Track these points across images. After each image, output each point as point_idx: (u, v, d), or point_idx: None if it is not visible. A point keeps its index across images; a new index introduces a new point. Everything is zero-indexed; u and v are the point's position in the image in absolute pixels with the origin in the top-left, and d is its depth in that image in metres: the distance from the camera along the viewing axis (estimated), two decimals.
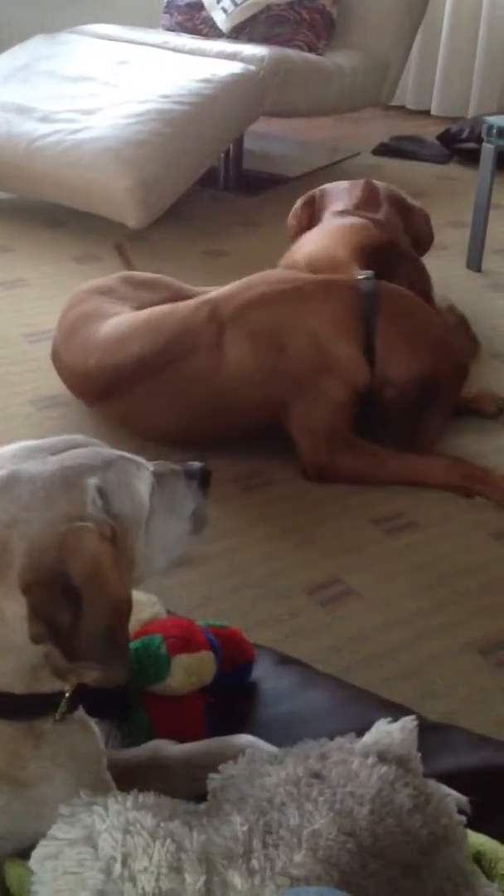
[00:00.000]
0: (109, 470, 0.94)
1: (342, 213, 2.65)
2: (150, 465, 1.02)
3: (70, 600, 0.85)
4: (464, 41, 4.90)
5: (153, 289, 2.38)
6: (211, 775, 0.96)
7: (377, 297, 2.13)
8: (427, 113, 5.10)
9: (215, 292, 2.19)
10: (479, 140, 3.20)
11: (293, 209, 2.92)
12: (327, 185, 2.91)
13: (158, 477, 1.02)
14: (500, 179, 3.30)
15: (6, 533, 0.87)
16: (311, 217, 2.80)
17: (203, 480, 1.10)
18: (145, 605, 1.34)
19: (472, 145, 4.15)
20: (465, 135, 4.32)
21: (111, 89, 3.50)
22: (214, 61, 3.61)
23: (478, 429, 2.31)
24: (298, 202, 2.91)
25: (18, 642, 0.88)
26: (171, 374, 2.10)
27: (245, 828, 0.83)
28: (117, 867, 0.79)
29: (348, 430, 2.12)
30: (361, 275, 2.20)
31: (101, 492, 0.91)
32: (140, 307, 2.26)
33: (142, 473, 0.98)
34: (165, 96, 3.34)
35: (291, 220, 2.90)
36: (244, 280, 2.20)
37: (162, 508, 1.01)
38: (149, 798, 0.87)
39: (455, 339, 2.31)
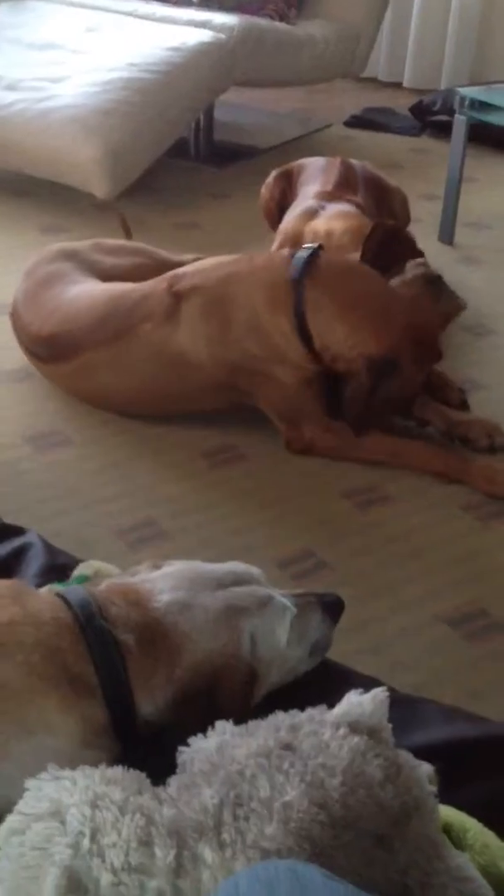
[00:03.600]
0: (261, 615, 1.12)
1: (328, 195, 2.61)
2: (292, 604, 1.17)
3: (204, 712, 1.01)
4: (436, 13, 4.85)
5: (125, 255, 2.36)
6: (180, 748, 0.95)
7: (308, 268, 1.98)
8: (399, 85, 5.06)
9: (177, 269, 2.14)
10: (452, 112, 3.17)
11: (266, 182, 2.88)
12: (304, 161, 2.89)
13: (298, 610, 1.17)
14: (472, 152, 3.28)
15: (183, 638, 1.07)
16: (285, 191, 2.77)
17: (336, 614, 1.25)
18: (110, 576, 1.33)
19: (444, 118, 4.12)
20: (437, 107, 4.29)
21: (79, 57, 3.44)
22: (184, 29, 3.55)
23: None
24: (272, 175, 2.87)
25: None
26: (126, 343, 2.07)
27: (215, 801, 0.82)
28: (85, 842, 0.78)
29: (319, 411, 2.06)
30: (306, 247, 2.09)
31: (252, 638, 1.11)
32: (109, 273, 2.24)
33: (285, 618, 1.15)
34: (134, 64, 3.28)
35: (264, 192, 2.86)
36: (214, 259, 2.15)
37: (293, 640, 1.16)
38: (117, 772, 0.85)
39: (420, 313, 2.12)
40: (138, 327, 2.06)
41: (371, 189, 2.73)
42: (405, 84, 5.03)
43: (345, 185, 2.66)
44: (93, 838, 0.78)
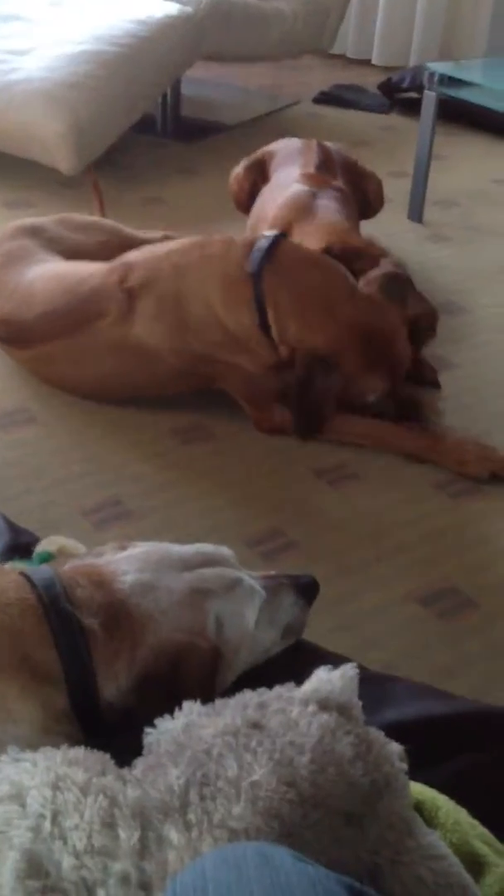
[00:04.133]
0: (229, 597, 1.10)
1: (313, 179, 2.55)
2: (263, 587, 1.15)
3: (167, 694, 0.98)
4: None
5: (90, 232, 2.31)
6: (147, 729, 0.93)
7: (269, 259, 1.94)
8: (368, 62, 5.02)
9: (128, 256, 2.08)
10: (421, 89, 3.14)
11: (235, 173, 2.76)
12: (274, 147, 2.78)
13: (269, 592, 1.16)
14: (441, 130, 3.26)
15: (146, 620, 1.04)
16: (256, 182, 2.68)
17: (310, 596, 1.23)
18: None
19: (413, 95, 4.10)
20: (406, 84, 4.26)
21: (43, 30, 3.37)
22: (150, 2, 3.49)
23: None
24: (241, 166, 2.75)
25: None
26: (84, 337, 2.03)
27: (181, 780, 0.80)
28: (47, 825, 0.76)
29: (287, 394, 2.01)
30: (267, 234, 2.04)
31: (218, 619, 1.09)
32: (75, 250, 2.19)
33: (254, 600, 1.13)
34: (99, 37, 3.22)
35: (233, 184, 2.75)
36: (164, 246, 2.09)
37: (263, 621, 1.15)
38: (80, 753, 0.83)
39: (375, 312, 2.00)
40: (92, 324, 2.02)
41: (347, 173, 2.68)
42: (374, 61, 4.99)
43: (325, 169, 2.60)
44: (54, 821, 0.76)
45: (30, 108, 3.01)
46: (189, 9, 3.45)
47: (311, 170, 2.59)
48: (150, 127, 3.76)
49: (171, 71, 3.45)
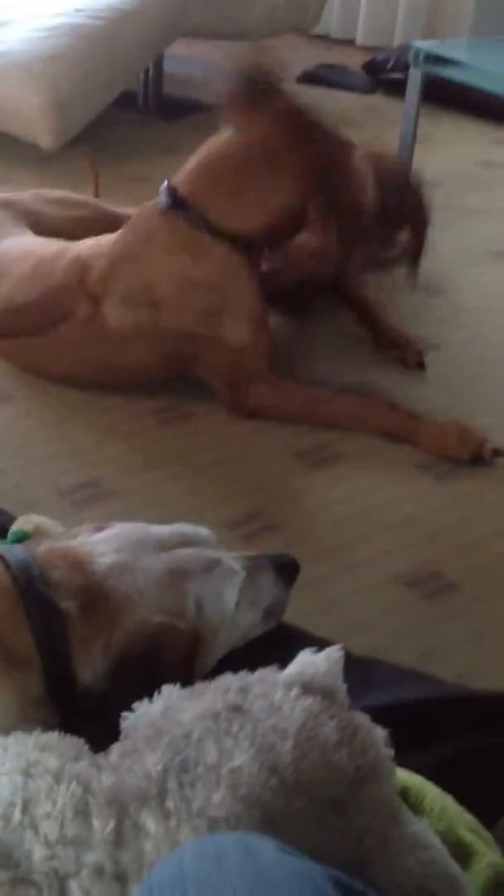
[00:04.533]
0: (208, 577, 1.08)
1: None
2: (242, 567, 1.13)
3: (145, 678, 0.96)
4: None
5: (68, 207, 2.26)
6: (124, 714, 0.89)
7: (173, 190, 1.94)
8: (352, 42, 4.97)
9: (80, 251, 2.01)
10: (405, 70, 3.10)
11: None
12: None
13: (248, 573, 1.14)
14: (425, 112, 3.21)
15: (124, 601, 1.01)
16: None
17: (290, 576, 1.22)
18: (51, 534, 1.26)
19: (397, 75, 4.05)
20: (390, 64, 4.21)
21: (22, 2, 3.30)
22: None
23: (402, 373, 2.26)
24: None
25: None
26: (47, 338, 1.99)
27: (159, 767, 0.77)
28: (17, 813, 0.72)
29: (267, 369, 2.00)
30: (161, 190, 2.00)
31: (197, 600, 1.06)
32: (51, 227, 2.14)
33: (233, 581, 1.11)
34: (80, 10, 3.16)
35: None
36: (107, 239, 2.02)
37: (244, 604, 1.13)
38: (53, 738, 0.79)
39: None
40: (58, 325, 1.97)
41: None
42: (358, 41, 4.94)
43: None
44: (25, 809, 0.72)
45: (8, 82, 2.95)
46: None
47: None
48: (131, 104, 3.69)
49: (153, 45, 3.39)
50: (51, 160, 3.08)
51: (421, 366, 2.21)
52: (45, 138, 2.96)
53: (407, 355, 2.22)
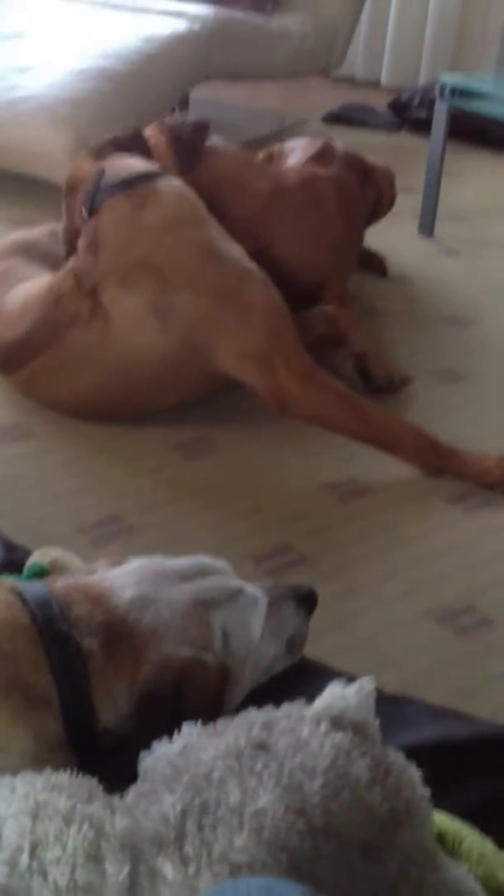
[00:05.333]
0: (232, 607, 1.05)
1: (287, 169, 2.54)
2: (264, 595, 1.10)
3: (171, 716, 0.91)
4: (414, 11, 4.80)
5: None
6: (143, 754, 0.85)
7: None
8: (377, 83, 5.00)
9: (72, 263, 1.97)
10: (430, 108, 3.11)
11: None
12: (288, 142, 2.80)
13: (270, 602, 1.10)
14: (451, 147, 3.21)
15: (148, 635, 0.97)
16: None
17: (310, 607, 1.17)
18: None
19: (422, 114, 4.06)
20: (415, 103, 4.23)
21: (49, 46, 3.34)
22: (157, 19, 3.47)
23: (423, 391, 2.22)
24: (258, 156, 2.77)
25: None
26: (58, 353, 1.94)
27: (178, 808, 0.72)
28: (24, 858, 0.67)
29: (298, 349, 1.89)
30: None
31: (224, 632, 1.02)
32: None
33: (258, 608, 1.07)
34: (105, 54, 3.19)
35: None
36: (87, 240, 1.97)
37: (267, 634, 1.09)
38: (63, 778, 0.74)
39: None
40: (65, 335, 1.92)
41: (353, 166, 2.65)
42: (383, 82, 4.97)
43: (319, 160, 2.58)
44: (33, 853, 0.68)
45: (34, 125, 2.97)
46: (196, 26, 3.42)
47: (300, 162, 2.58)
48: None
49: (177, 88, 3.41)
50: None
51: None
52: None
53: (376, 372, 2.17)
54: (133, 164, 2.05)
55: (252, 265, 1.96)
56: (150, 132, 2.29)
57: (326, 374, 1.92)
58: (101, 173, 1.99)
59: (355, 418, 1.89)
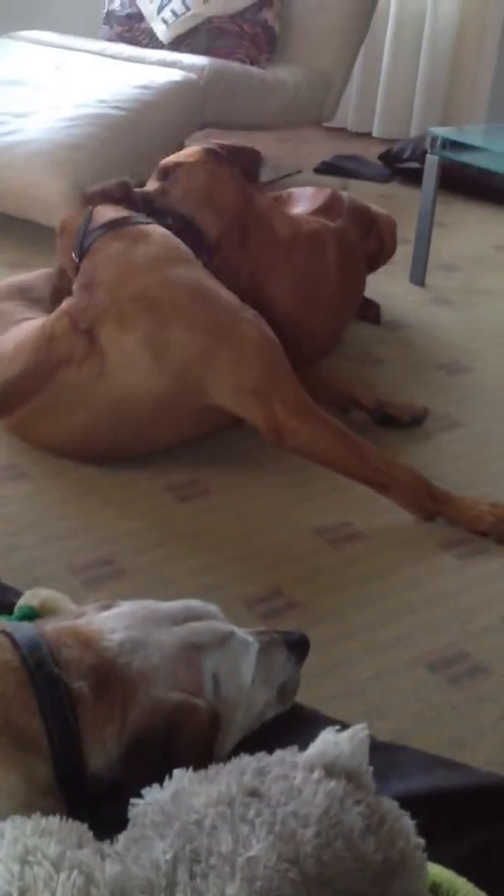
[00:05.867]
0: (223, 651, 1.03)
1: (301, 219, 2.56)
2: (255, 640, 1.08)
3: (161, 762, 0.90)
4: (405, 64, 4.90)
5: None
6: (133, 801, 0.83)
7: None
8: (368, 135, 5.08)
9: (65, 306, 1.98)
10: (422, 159, 3.15)
11: None
12: (294, 189, 2.83)
13: (261, 648, 1.08)
14: (442, 199, 3.26)
15: (138, 679, 0.95)
16: None
17: (301, 653, 1.15)
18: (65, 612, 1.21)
19: (413, 165, 4.11)
20: (407, 154, 4.28)
21: (46, 93, 3.39)
22: (154, 68, 3.53)
23: (418, 437, 2.23)
24: None
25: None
26: (50, 393, 1.94)
27: (169, 856, 0.70)
28: None
29: (296, 383, 1.91)
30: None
31: (215, 677, 1.00)
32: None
33: (249, 654, 1.06)
34: (102, 101, 3.24)
35: None
36: (82, 280, 1.98)
37: (258, 681, 1.07)
38: (53, 823, 0.73)
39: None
40: (56, 374, 1.92)
41: (358, 218, 2.68)
42: (374, 134, 5.05)
43: (324, 212, 2.60)
44: None
45: (31, 169, 3.01)
46: (192, 76, 3.48)
47: (307, 212, 2.60)
48: None
49: (173, 136, 3.46)
50: None
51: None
52: None
53: (398, 414, 2.25)
54: (118, 210, 2.09)
55: (241, 303, 1.98)
56: (193, 153, 2.31)
57: (323, 410, 1.93)
58: (89, 216, 2.03)
59: (352, 454, 1.89)
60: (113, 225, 2.00)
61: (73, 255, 2.03)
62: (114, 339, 1.89)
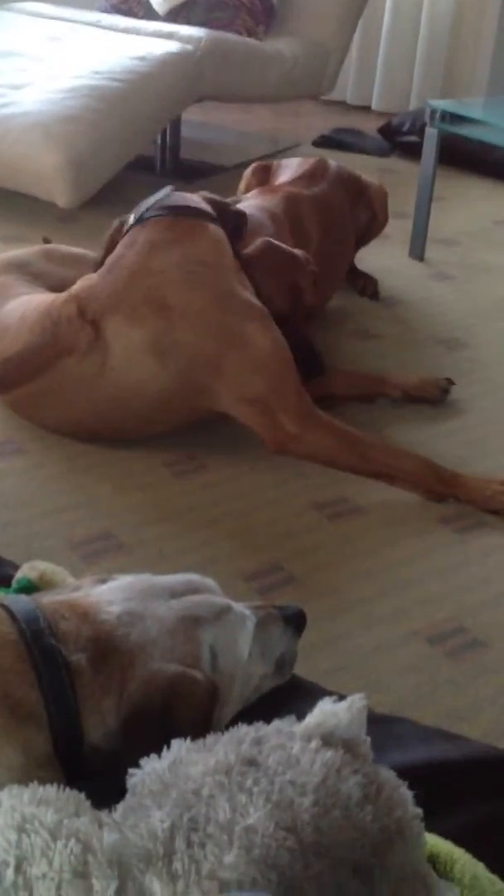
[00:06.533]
0: (220, 624, 1.02)
1: (267, 189, 2.55)
2: (252, 614, 1.07)
3: (159, 734, 0.89)
4: (405, 36, 4.85)
5: (78, 265, 2.23)
6: (131, 770, 0.83)
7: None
8: (367, 108, 5.04)
9: (74, 288, 1.96)
10: (421, 133, 3.13)
11: (245, 174, 2.80)
12: (284, 159, 2.82)
13: (258, 623, 1.07)
14: (442, 174, 3.23)
15: (136, 651, 0.95)
16: (260, 185, 2.70)
17: (298, 627, 1.14)
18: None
19: (413, 138, 4.09)
20: (406, 127, 4.25)
21: (41, 65, 3.36)
22: (150, 40, 3.49)
23: (418, 414, 2.22)
24: (250, 168, 2.80)
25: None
26: (50, 380, 1.91)
27: (166, 824, 0.70)
28: (9, 873, 0.65)
29: (300, 392, 1.90)
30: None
31: (212, 650, 0.99)
32: (59, 285, 2.11)
33: (246, 627, 1.05)
34: (98, 73, 3.20)
35: (241, 183, 2.79)
36: (111, 257, 1.96)
37: (255, 654, 1.06)
38: (51, 792, 0.73)
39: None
40: (59, 363, 1.89)
41: (346, 185, 2.67)
42: (374, 107, 5.01)
43: (310, 179, 2.59)
44: (18, 868, 0.66)
45: (27, 142, 2.98)
46: (189, 47, 3.44)
47: (290, 180, 2.60)
48: (149, 167, 3.74)
49: (170, 108, 3.43)
50: (68, 219, 3.10)
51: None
52: (62, 197, 2.98)
53: (426, 391, 2.24)
54: (198, 200, 2.05)
55: (258, 304, 1.94)
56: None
57: (325, 415, 1.93)
58: (169, 192, 2.00)
59: (355, 455, 1.90)
60: (174, 210, 1.94)
61: (132, 217, 1.97)
62: (121, 334, 1.86)
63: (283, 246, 2.21)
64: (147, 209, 1.96)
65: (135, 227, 1.95)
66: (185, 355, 1.86)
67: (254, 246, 2.16)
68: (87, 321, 1.87)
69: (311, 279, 2.15)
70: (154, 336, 1.86)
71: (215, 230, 1.97)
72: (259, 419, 1.89)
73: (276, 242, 2.21)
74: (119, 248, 1.94)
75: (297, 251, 2.19)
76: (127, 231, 1.97)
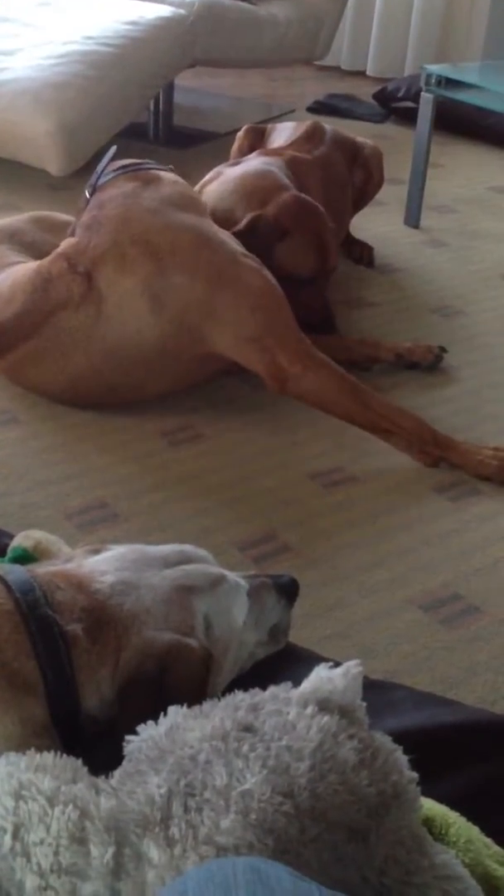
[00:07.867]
0: (214, 593, 1.02)
1: (267, 152, 2.52)
2: (246, 583, 1.08)
3: (154, 702, 0.89)
4: (400, 0, 4.79)
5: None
6: (128, 737, 0.83)
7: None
8: (362, 73, 4.98)
9: (64, 245, 1.95)
10: (416, 98, 3.10)
11: (238, 135, 2.78)
12: (278, 123, 2.81)
13: (252, 590, 1.08)
14: (437, 140, 3.21)
15: (130, 620, 0.95)
16: (253, 146, 2.68)
17: (292, 596, 1.15)
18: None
19: (408, 104, 4.04)
20: (401, 93, 4.21)
21: (32, 30, 3.31)
22: (142, 4, 3.44)
23: (413, 381, 2.22)
24: (244, 129, 2.77)
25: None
26: (45, 337, 1.90)
27: (163, 790, 0.70)
28: (7, 839, 0.66)
29: (298, 331, 1.89)
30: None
31: (206, 618, 1.00)
32: (50, 253, 2.09)
33: (240, 596, 1.05)
34: (90, 38, 3.16)
35: (235, 144, 2.77)
36: (87, 218, 1.95)
37: (250, 622, 1.06)
38: (48, 759, 0.73)
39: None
40: (53, 318, 1.88)
41: (342, 147, 2.65)
42: (368, 72, 4.95)
43: (306, 142, 2.57)
44: (16, 835, 0.66)
45: (17, 109, 2.94)
46: (182, 11, 3.39)
47: (284, 144, 2.58)
48: (142, 134, 3.69)
49: (162, 73, 3.38)
50: (60, 187, 3.07)
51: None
52: (54, 164, 2.94)
53: (420, 356, 2.24)
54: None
55: (244, 250, 1.96)
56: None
57: (325, 357, 1.91)
58: (111, 157, 2.05)
59: (355, 401, 1.88)
60: (129, 167, 2.00)
61: (87, 192, 2.00)
62: (113, 282, 1.86)
63: (310, 199, 2.19)
64: (101, 174, 2.00)
65: (97, 192, 1.98)
66: (179, 297, 1.86)
67: (280, 201, 2.14)
68: (79, 273, 1.87)
69: (335, 236, 2.14)
70: (146, 280, 1.86)
71: (174, 176, 2.04)
72: (257, 357, 1.88)
73: (303, 196, 2.19)
74: (89, 212, 1.95)
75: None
76: (91, 197, 1.99)
